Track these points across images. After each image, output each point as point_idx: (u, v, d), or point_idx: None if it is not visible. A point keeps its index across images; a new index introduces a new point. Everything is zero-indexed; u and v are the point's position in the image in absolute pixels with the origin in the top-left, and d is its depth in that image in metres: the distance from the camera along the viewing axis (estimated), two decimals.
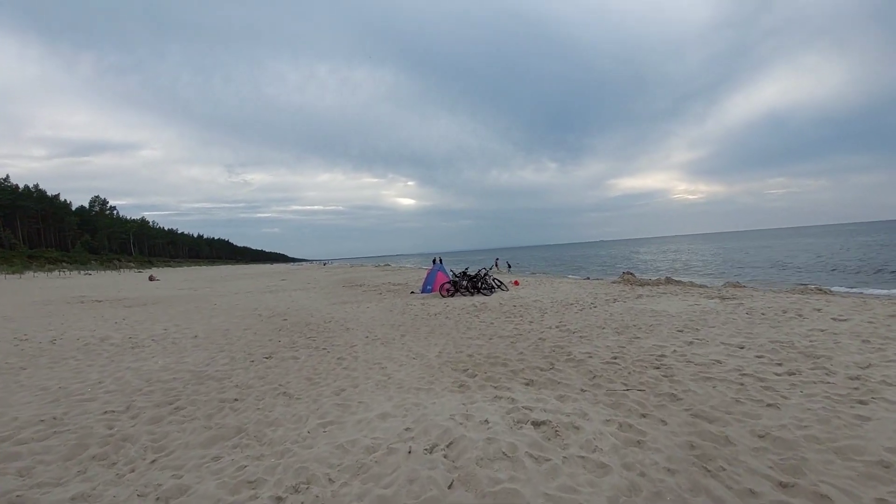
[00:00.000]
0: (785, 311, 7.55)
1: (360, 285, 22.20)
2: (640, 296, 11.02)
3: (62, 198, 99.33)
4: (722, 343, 5.78)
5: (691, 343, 5.90)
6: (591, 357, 5.54)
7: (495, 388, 4.68)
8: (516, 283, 17.87)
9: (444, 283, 14.43)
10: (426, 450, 3.19)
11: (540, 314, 9.29)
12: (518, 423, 3.57)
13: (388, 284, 21.41)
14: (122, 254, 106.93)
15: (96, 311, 13.46)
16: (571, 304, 10.44)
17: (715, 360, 5.01)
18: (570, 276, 25.16)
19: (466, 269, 15.58)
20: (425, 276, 17.14)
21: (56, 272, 62.64)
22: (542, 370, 5.17)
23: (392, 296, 15.63)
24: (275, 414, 4.21)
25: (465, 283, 14.33)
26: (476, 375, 5.15)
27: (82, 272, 65.36)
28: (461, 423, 3.58)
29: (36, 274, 57.85)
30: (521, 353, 6.05)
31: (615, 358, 5.42)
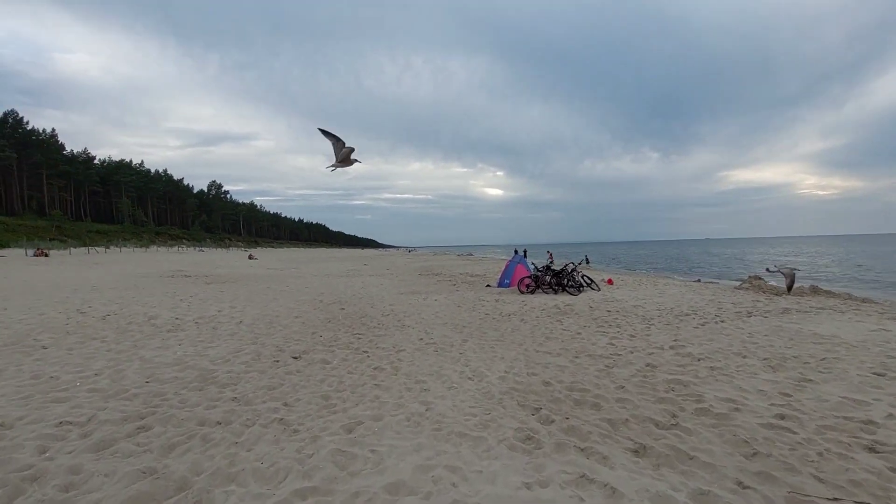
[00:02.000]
0: None
1: (437, 274, 21.01)
2: (785, 310, 8.30)
3: (185, 182, 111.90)
4: None
5: None
6: (737, 410, 3.55)
7: (582, 452, 2.96)
8: (610, 281, 15.45)
9: (523, 278, 12.65)
10: None
11: (644, 325, 7.18)
12: None
13: (464, 275, 19.96)
14: (233, 234, 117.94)
15: (176, 287, 13.62)
16: (687, 314, 8.10)
17: None
18: (675, 278, 21.68)
19: (550, 262, 13.59)
20: (503, 268, 15.39)
21: (175, 248, 70.22)
22: (658, 426, 3.32)
23: (466, 287, 14.15)
24: (249, 457, 2.89)
25: (548, 278, 12.42)
26: (552, 422, 3.45)
27: (197, 249, 72.63)
28: None
29: (159, 248, 65.24)
30: (622, 387, 4.20)
31: (782, 417, 3.38)
